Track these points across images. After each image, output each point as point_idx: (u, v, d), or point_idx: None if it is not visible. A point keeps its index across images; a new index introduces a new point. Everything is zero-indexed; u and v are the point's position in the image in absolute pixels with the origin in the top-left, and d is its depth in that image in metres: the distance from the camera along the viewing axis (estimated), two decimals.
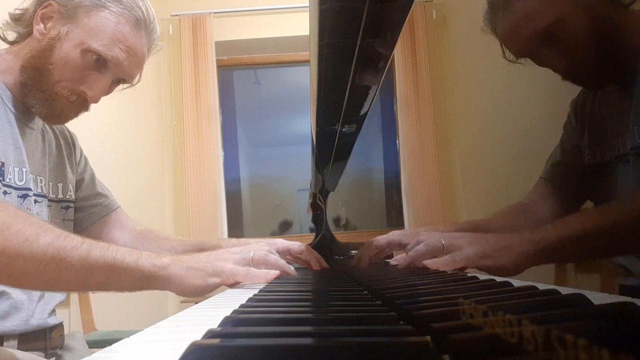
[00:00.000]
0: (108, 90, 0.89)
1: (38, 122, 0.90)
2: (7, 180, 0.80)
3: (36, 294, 0.84)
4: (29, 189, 0.84)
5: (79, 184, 1.02)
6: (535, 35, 0.82)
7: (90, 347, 1.02)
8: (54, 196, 0.93)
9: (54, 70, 0.81)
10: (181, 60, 3.05)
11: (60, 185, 0.95)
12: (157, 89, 3.07)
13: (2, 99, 0.83)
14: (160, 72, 3.13)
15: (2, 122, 0.81)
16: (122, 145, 2.50)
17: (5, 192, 0.79)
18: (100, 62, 0.83)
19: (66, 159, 0.98)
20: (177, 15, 3.09)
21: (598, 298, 0.36)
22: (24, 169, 0.83)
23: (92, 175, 1.07)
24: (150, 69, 2.98)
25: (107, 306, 2.05)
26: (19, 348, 0.80)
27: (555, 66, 0.87)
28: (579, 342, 0.16)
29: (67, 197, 0.97)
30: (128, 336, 0.33)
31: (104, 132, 2.27)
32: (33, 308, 0.83)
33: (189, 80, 3.04)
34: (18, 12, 0.86)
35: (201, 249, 0.95)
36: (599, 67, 0.81)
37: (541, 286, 0.42)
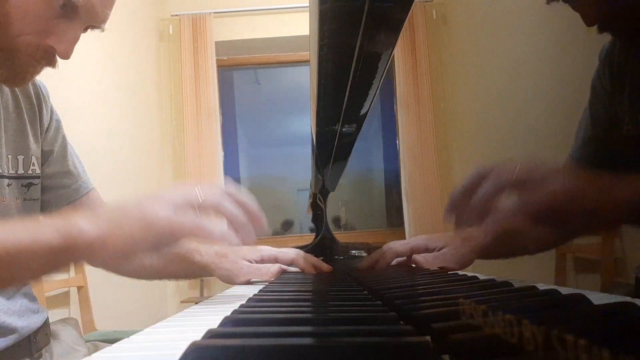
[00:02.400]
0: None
1: None
2: None
3: (7, 309, 0.75)
4: None
5: (46, 155, 0.85)
6: None
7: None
8: (13, 172, 0.78)
9: (11, 22, 0.64)
10: (181, 60, 3.05)
11: (20, 158, 0.79)
12: (157, 89, 3.07)
13: None
14: (160, 72, 3.13)
15: None
16: (122, 145, 2.50)
17: None
18: (68, 8, 0.66)
19: (28, 125, 0.81)
20: (177, 15, 3.09)
21: (598, 298, 0.36)
22: None
23: (64, 147, 0.88)
24: (151, 69, 2.99)
25: (107, 306, 2.05)
26: None
27: (589, 12, 0.69)
28: (579, 342, 0.16)
29: (30, 172, 0.81)
30: (128, 336, 0.33)
31: (103, 132, 2.27)
32: (12, 323, 0.75)
33: (189, 80, 3.04)
34: None
35: (178, 250, 0.83)
36: None
37: (541, 286, 0.42)
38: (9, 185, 0.77)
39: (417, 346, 0.23)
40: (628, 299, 0.35)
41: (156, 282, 0.97)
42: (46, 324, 0.85)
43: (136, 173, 2.67)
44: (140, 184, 2.70)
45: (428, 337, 0.24)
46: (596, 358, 0.15)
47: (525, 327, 0.20)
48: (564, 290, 0.40)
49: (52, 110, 0.87)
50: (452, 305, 0.31)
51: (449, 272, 0.70)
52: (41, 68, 0.70)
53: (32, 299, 0.84)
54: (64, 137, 0.89)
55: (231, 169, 3.68)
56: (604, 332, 0.23)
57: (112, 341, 0.32)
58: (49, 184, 0.85)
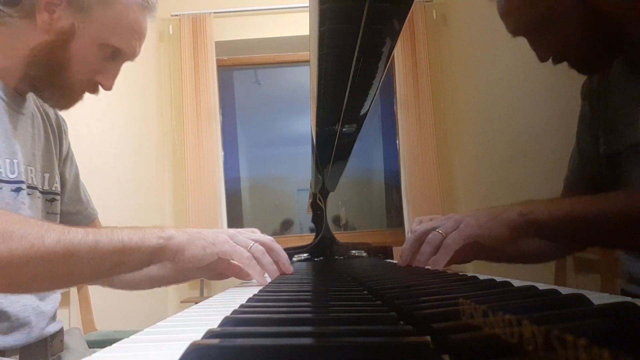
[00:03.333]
0: None
1: (28, 107, 0.85)
2: None
3: (36, 306, 0.82)
4: (22, 182, 0.79)
5: (64, 180, 0.95)
6: (525, 22, 0.81)
7: (90, 347, 1.01)
8: (41, 187, 0.87)
9: (71, 65, 0.79)
10: (181, 60, 3.05)
11: (47, 175, 0.89)
12: (157, 89, 3.07)
13: None
14: (160, 72, 3.13)
15: None
16: (122, 145, 2.50)
17: None
18: (116, 53, 0.82)
19: (53, 148, 0.92)
20: (177, 15, 3.09)
21: (598, 298, 0.36)
22: (15, 160, 0.78)
23: (77, 176, 0.99)
24: (151, 69, 2.99)
25: (107, 306, 2.05)
26: None
27: (539, 52, 0.84)
28: (579, 342, 0.16)
29: (53, 188, 0.90)
30: (128, 336, 0.33)
31: (103, 132, 2.27)
32: (34, 321, 0.81)
33: (189, 80, 3.04)
34: None
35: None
36: (595, 47, 0.76)
37: (541, 286, 0.42)
38: (38, 197, 0.86)
39: (417, 346, 0.23)
40: (628, 298, 0.35)
41: None
42: (61, 331, 0.91)
43: (136, 173, 2.67)
44: (140, 183, 2.70)
45: (428, 337, 0.24)
46: (596, 358, 0.15)
47: (525, 327, 0.20)
48: (564, 290, 0.40)
49: (69, 143, 0.99)
50: (452, 305, 0.31)
51: (448, 272, 0.70)
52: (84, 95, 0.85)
53: (57, 305, 0.90)
54: (77, 168, 1.00)
55: (231, 169, 3.67)
56: (604, 332, 0.23)
57: (112, 341, 0.32)
58: (62, 209, 0.94)
